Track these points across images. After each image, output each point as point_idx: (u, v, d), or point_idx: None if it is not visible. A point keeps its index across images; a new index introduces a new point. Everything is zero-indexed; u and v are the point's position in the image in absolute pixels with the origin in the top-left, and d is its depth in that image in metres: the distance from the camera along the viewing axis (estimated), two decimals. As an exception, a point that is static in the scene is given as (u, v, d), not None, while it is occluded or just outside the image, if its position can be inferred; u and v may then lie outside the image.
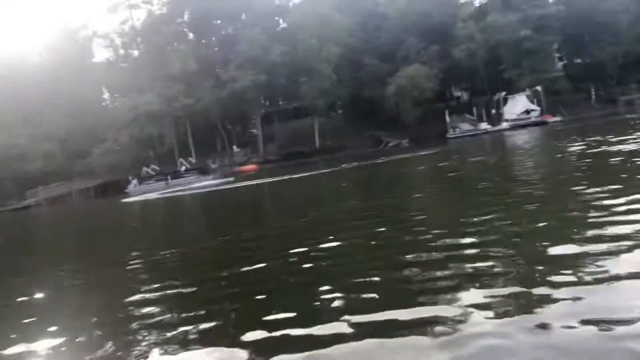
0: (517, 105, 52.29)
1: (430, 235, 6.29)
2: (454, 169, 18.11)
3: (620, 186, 7.31)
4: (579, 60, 69.02)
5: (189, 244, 9.18)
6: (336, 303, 4.15)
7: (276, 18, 70.15)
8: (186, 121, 59.06)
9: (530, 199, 7.81)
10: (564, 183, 9.45)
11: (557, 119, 51.33)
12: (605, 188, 7.30)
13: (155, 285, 5.86)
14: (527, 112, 51.10)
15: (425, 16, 70.46)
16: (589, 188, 7.68)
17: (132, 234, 14.17)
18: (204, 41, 71.19)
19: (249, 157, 60.81)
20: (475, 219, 6.72)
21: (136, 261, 7.90)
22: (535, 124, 48.46)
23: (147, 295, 5.44)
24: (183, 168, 51.45)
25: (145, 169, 52.37)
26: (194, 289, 5.69)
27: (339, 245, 6.57)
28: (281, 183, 25.95)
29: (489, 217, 6.75)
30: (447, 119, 57.28)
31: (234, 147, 61.67)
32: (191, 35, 69.46)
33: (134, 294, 5.51)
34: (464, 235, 5.84)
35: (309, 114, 70.48)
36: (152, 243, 10.80)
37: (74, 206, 45.02)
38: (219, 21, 69.97)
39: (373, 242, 6.61)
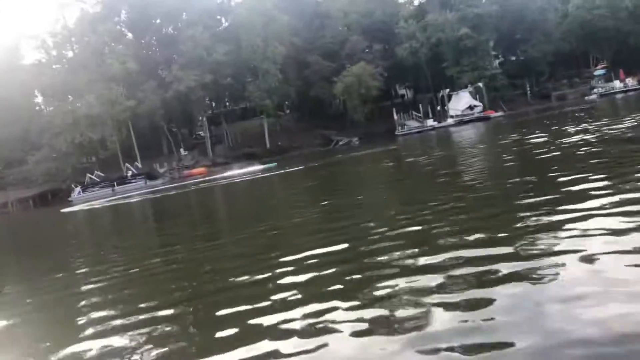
0: (461, 102, 54.31)
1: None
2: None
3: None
4: (513, 58, 72.77)
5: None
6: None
7: (218, 17, 68.86)
8: (129, 124, 56.69)
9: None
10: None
11: (499, 114, 53.82)
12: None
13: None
14: (471, 107, 53.20)
15: (367, 15, 71.77)
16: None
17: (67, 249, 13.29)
18: (143, 41, 68.61)
19: (197, 160, 59.32)
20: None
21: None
22: (479, 119, 50.55)
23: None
24: (129, 173, 49.44)
25: (89, 175, 49.89)
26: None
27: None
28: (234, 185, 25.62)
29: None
30: (395, 116, 58.52)
31: (181, 150, 59.97)
32: (130, 35, 66.73)
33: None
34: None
35: (257, 114, 69.80)
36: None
37: (13, 217, 42.06)
38: (158, 20, 67.65)
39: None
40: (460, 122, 50.86)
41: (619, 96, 50.40)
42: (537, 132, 20.09)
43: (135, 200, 29.78)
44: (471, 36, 59.49)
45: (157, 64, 63.51)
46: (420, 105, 59.97)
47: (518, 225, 5.75)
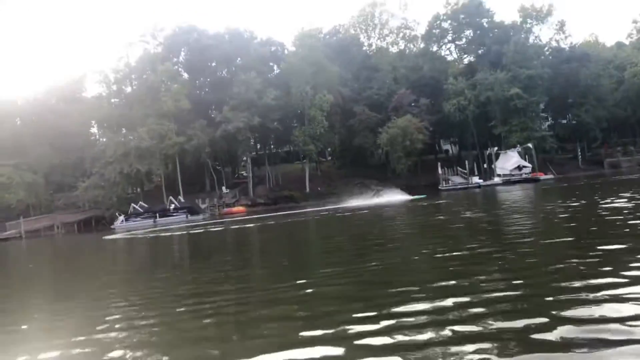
0: (510, 161, 53.12)
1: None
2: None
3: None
4: (564, 121, 71.31)
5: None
6: None
7: (271, 64, 71.38)
8: (176, 159, 58.38)
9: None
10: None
11: (549, 176, 52.19)
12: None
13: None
14: (519, 168, 51.88)
15: (416, 70, 72.84)
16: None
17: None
18: (198, 82, 71.72)
19: (238, 198, 59.94)
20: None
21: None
22: (527, 180, 49.08)
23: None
24: (172, 207, 50.25)
25: (133, 205, 51.01)
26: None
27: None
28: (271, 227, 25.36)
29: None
30: (440, 170, 57.76)
31: (223, 188, 60.83)
32: (186, 75, 69.97)
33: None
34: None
35: (299, 158, 70.62)
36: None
37: (56, 240, 43.13)
38: (214, 63, 70.85)
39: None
40: (507, 182, 49.50)
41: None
42: (590, 197, 19.08)
43: (176, 233, 29.90)
44: (522, 96, 58.90)
45: (209, 105, 65.80)
46: (466, 162, 59.00)
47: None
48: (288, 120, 66.49)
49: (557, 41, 70.75)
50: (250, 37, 72.64)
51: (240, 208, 54.29)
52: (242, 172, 72.72)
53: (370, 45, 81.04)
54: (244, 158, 67.45)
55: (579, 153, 66.18)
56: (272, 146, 72.53)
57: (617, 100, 65.49)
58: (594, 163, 64.66)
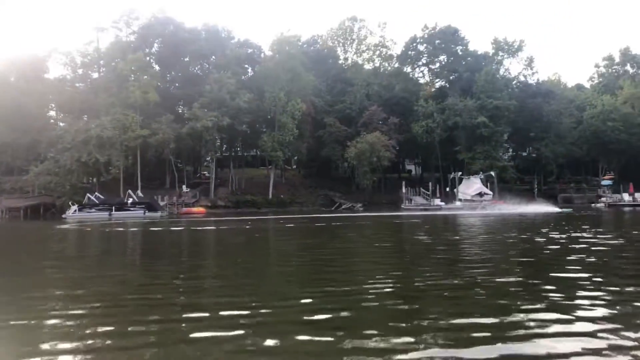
0: (472, 187, 54.25)
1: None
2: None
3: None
4: (524, 154, 73.91)
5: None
6: None
7: (246, 65, 70.55)
8: (137, 152, 56.41)
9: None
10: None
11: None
12: None
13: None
14: (481, 194, 53.02)
15: (388, 89, 73.92)
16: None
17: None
18: (169, 76, 70.06)
19: (198, 199, 58.51)
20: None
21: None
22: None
23: None
24: (130, 201, 48.34)
25: (89, 195, 48.67)
26: None
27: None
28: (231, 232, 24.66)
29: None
30: (404, 189, 58.39)
31: (184, 187, 59.21)
32: (157, 67, 68.07)
33: None
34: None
35: (265, 163, 69.94)
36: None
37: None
38: (187, 58, 69.31)
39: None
40: (467, 207, 50.43)
41: (627, 209, 50.39)
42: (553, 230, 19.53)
43: (133, 229, 28.61)
44: (488, 125, 60.72)
45: (178, 100, 64.38)
46: (429, 184, 59.92)
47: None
48: (258, 125, 65.82)
49: (525, 76, 73.59)
50: (228, 36, 71.78)
51: (200, 209, 53.00)
52: (205, 172, 71.25)
53: (346, 59, 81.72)
54: (208, 158, 66.13)
55: (536, 186, 68.56)
56: (238, 149, 71.40)
57: (574, 138, 68.37)
58: (548, 196, 67.02)
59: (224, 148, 70.02)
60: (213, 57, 67.68)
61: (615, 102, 68.09)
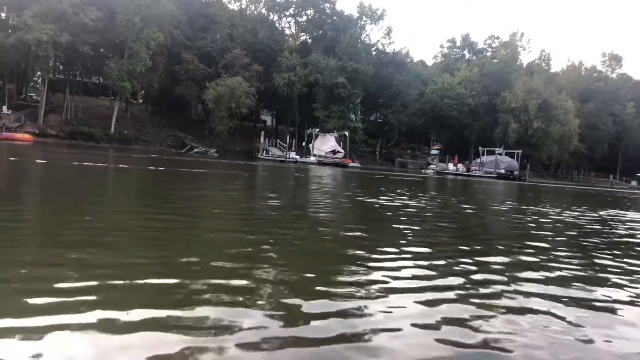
0: (327, 144, 56.25)
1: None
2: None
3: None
4: (372, 118, 78.99)
5: None
6: None
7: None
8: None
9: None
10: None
11: (356, 164, 57.09)
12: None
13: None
14: (334, 152, 55.34)
15: (253, 33, 71.20)
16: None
17: None
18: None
19: (23, 124, 50.06)
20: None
21: None
22: (337, 164, 52.71)
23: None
24: None
25: None
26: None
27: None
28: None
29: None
30: (262, 140, 57.95)
31: (4, 108, 49.95)
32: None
33: None
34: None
35: (107, 94, 62.66)
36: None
37: None
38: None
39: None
40: (320, 163, 52.42)
41: (450, 177, 57.73)
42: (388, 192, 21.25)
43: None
44: (346, 86, 62.91)
45: (3, 3, 53.08)
46: (287, 137, 60.43)
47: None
48: (104, 49, 58.15)
49: (383, 45, 77.40)
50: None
51: (27, 135, 45.45)
52: (32, 94, 60.92)
53: (210, -7, 76.01)
54: (37, 79, 56.59)
55: (378, 149, 74.28)
56: (77, 73, 62.40)
57: (415, 109, 75.12)
58: (387, 159, 73.74)
59: (60, 69, 60.64)
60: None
61: (453, 81, 76.25)
